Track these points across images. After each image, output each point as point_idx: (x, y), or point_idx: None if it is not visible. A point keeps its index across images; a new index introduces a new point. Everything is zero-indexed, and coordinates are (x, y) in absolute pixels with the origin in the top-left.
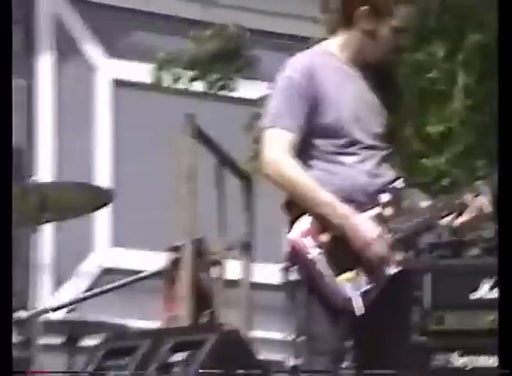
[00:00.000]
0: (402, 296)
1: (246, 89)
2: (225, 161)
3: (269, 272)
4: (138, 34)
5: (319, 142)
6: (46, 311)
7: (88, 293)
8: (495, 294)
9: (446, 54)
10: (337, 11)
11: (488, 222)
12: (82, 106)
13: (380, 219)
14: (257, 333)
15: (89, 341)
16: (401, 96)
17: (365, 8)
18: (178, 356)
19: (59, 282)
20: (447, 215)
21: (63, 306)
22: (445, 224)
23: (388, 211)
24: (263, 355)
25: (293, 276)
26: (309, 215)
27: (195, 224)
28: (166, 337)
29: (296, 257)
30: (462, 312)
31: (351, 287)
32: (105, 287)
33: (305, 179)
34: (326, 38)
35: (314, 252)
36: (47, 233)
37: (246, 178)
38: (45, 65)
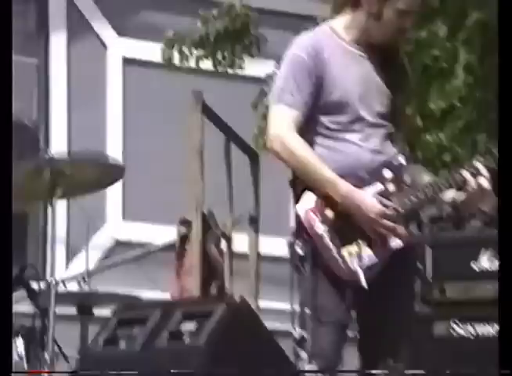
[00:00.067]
0: (406, 269)
1: (254, 67)
2: (233, 138)
3: (276, 245)
4: (147, 14)
5: (323, 119)
6: (60, 282)
7: (101, 265)
8: (494, 264)
9: (448, 32)
10: None
11: (488, 198)
12: (93, 84)
13: (383, 195)
14: (264, 303)
15: (102, 312)
16: (405, 77)
17: None
18: (188, 326)
19: (72, 254)
20: (448, 190)
21: (76, 278)
22: (447, 199)
23: (391, 187)
24: (270, 324)
25: (299, 249)
26: (314, 192)
27: (204, 198)
28: (176, 307)
29: (302, 232)
30: (462, 282)
31: (356, 260)
32: (117, 260)
33: (309, 156)
34: (332, 18)
35: (319, 227)
36: (60, 207)
37: (253, 154)
38: (57, 44)
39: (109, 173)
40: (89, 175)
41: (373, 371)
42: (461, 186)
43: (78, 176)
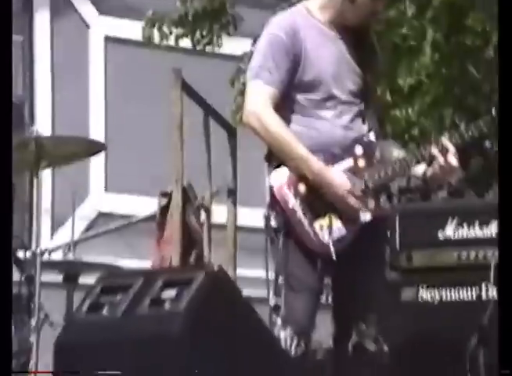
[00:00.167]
0: (375, 239)
1: (231, 46)
2: (211, 113)
3: (252, 216)
4: None
5: (298, 97)
6: (45, 251)
7: (85, 235)
8: (459, 233)
9: (416, 12)
10: None
11: (455, 173)
12: (76, 61)
13: (355, 170)
14: (241, 271)
15: (86, 280)
16: (375, 56)
17: None
18: (169, 293)
19: (57, 225)
20: (416, 165)
21: (61, 247)
22: (416, 174)
23: (362, 163)
24: (246, 292)
25: (274, 222)
26: (287, 167)
27: (183, 172)
28: (157, 275)
29: (276, 205)
30: (429, 250)
31: (327, 233)
32: (100, 230)
33: (284, 133)
34: None
35: (292, 201)
36: (46, 180)
37: (231, 129)
38: (41, 22)
39: (91, 149)
40: (71, 148)
41: None
42: (430, 161)
43: (61, 149)
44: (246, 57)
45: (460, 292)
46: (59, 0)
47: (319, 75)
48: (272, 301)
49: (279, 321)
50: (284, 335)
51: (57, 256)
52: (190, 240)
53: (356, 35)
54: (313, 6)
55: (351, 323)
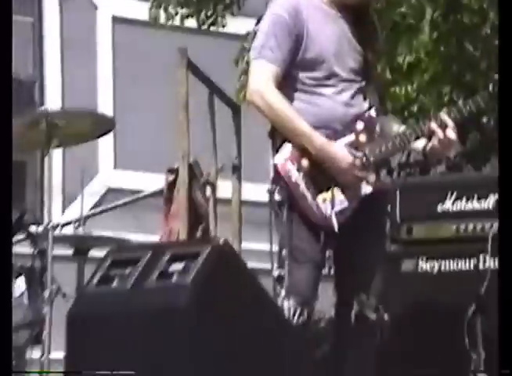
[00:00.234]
0: (376, 212)
1: (235, 25)
2: (216, 92)
3: (256, 191)
4: None
5: (301, 75)
6: (57, 226)
7: (95, 210)
8: (457, 206)
9: None
10: None
11: (454, 147)
12: (85, 41)
13: (356, 145)
14: (246, 244)
15: (96, 253)
16: (375, 34)
17: None
18: (176, 266)
19: (68, 201)
20: (416, 140)
21: (72, 222)
22: (416, 148)
23: (363, 138)
24: (251, 264)
25: (278, 196)
26: (291, 143)
27: (189, 149)
28: (165, 249)
29: (280, 180)
30: (428, 223)
31: (329, 206)
32: (109, 205)
33: (286, 110)
34: None
35: (295, 175)
36: (56, 158)
37: (235, 107)
38: (51, 4)
39: (100, 124)
40: (81, 126)
41: None
42: (429, 136)
43: (72, 128)
44: (250, 37)
45: (459, 263)
46: None
47: (320, 53)
48: (275, 273)
49: (282, 292)
50: (287, 305)
51: (68, 231)
52: (196, 215)
53: (357, 14)
54: None
55: (353, 294)
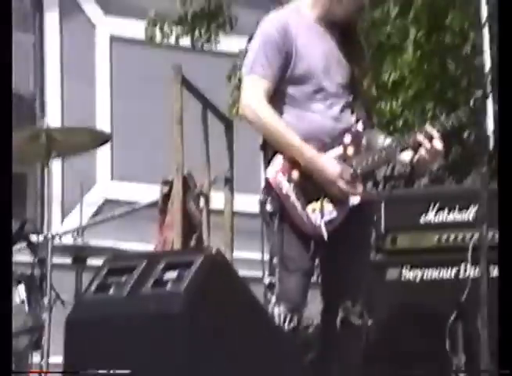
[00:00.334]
0: (363, 222)
1: (227, 44)
2: (210, 107)
3: (248, 202)
4: None
5: (290, 89)
6: (56, 236)
7: (92, 220)
8: (439, 217)
9: (399, 12)
10: None
11: (439, 159)
12: (84, 59)
13: (344, 157)
14: (238, 254)
15: (93, 262)
16: (361, 51)
17: None
18: (170, 274)
19: (66, 211)
20: (402, 152)
21: (70, 232)
22: (402, 160)
23: (350, 150)
24: (243, 272)
25: (269, 206)
26: (282, 155)
27: (183, 161)
28: (159, 258)
29: (271, 191)
30: (411, 233)
31: (319, 216)
32: (106, 216)
33: (277, 123)
34: None
35: (286, 186)
36: (56, 169)
37: (227, 122)
38: (51, 22)
39: (98, 139)
40: (80, 141)
41: None
42: (415, 147)
43: (70, 142)
44: (242, 54)
45: (441, 272)
46: (68, 1)
47: (309, 69)
48: (266, 280)
49: (273, 299)
50: (278, 312)
51: (67, 240)
52: (190, 225)
53: (344, 32)
54: (303, 5)
55: (338, 301)
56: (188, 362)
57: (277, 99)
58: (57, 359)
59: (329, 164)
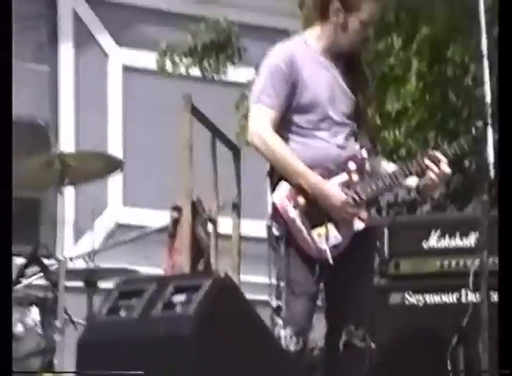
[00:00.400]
0: (367, 247)
1: (236, 74)
2: (218, 135)
3: (255, 227)
4: (143, 27)
5: (296, 118)
6: (69, 259)
7: (104, 245)
8: (441, 243)
9: (402, 44)
10: (313, 6)
11: (446, 180)
12: (97, 88)
13: (348, 184)
14: (245, 277)
15: (105, 285)
16: (366, 81)
17: (337, 4)
18: (179, 297)
19: (79, 235)
20: (406, 178)
21: (83, 256)
22: (408, 186)
23: (355, 177)
24: (250, 296)
25: (276, 231)
26: (288, 181)
27: (193, 187)
28: (169, 281)
29: (277, 216)
30: (414, 258)
31: (324, 240)
32: (118, 240)
33: (284, 151)
34: (303, 31)
35: (292, 212)
36: (69, 194)
37: (235, 149)
38: (65, 53)
39: (110, 165)
40: (93, 166)
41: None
42: (420, 172)
43: (83, 168)
44: (250, 84)
45: (443, 297)
46: (82, 33)
47: (314, 99)
48: (273, 304)
49: (279, 321)
50: (284, 334)
51: (79, 263)
52: (199, 249)
53: (349, 62)
54: (309, 37)
55: (342, 324)
56: None
57: (283, 127)
58: None
59: (333, 190)
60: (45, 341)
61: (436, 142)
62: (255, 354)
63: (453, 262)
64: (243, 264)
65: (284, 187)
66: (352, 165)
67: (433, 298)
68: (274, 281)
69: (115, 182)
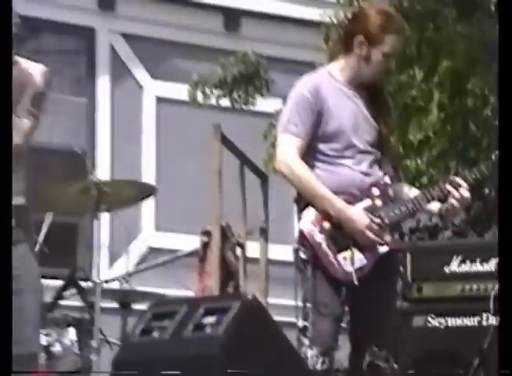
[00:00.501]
0: (390, 270)
1: (264, 105)
2: (247, 163)
3: (282, 252)
4: (176, 60)
5: (322, 146)
6: (104, 282)
7: (137, 268)
8: (462, 268)
9: (424, 76)
10: (338, 40)
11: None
12: (132, 118)
13: (372, 209)
14: (273, 300)
15: (139, 307)
16: (389, 110)
17: (361, 37)
18: (209, 319)
19: (114, 259)
20: (429, 203)
21: (118, 278)
22: (431, 211)
23: (378, 202)
24: (277, 317)
25: (303, 254)
26: (314, 207)
27: (222, 213)
28: (199, 303)
29: (304, 240)
30: (436, 282)
31: (349, 263)
32: (151, 263)
33: (310, 177)
34: (328, 63)
35: (318, 236)
36: (104, 220)
37: (263, 177)
38: (102, 86)
39: (143, 192)
40: (127, 193)
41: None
42: (442, 198)
43: (118, 194)
44: (277, 114)
45: (464, 320)
46: (118, 66)
47: (339, 127)
48: (300, 324)
49: (306, 342)
50: (311, 354)
51: (114, 286)
52: (228, 273)
53: (372, 93)
54: (333, 69)
55: (366, 345)
56: None
57: (309, 155)
58: None
59: (358, 215)
60: (82, 361)
61: (457, 170)
62: (282, 373)
63: (474, 287)
64: (271, 287)
65: (310, 213)
66: (376, 191)
67: (455, 321)
68: (300, 303)
69: (148, 208)
